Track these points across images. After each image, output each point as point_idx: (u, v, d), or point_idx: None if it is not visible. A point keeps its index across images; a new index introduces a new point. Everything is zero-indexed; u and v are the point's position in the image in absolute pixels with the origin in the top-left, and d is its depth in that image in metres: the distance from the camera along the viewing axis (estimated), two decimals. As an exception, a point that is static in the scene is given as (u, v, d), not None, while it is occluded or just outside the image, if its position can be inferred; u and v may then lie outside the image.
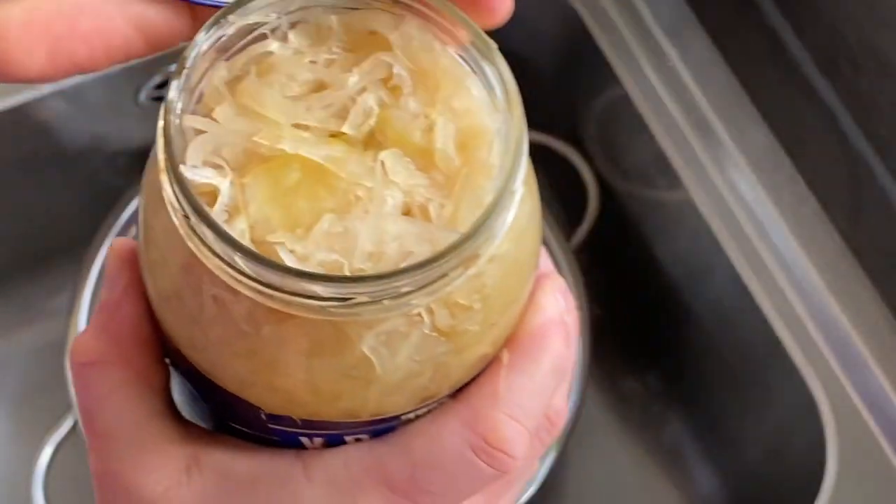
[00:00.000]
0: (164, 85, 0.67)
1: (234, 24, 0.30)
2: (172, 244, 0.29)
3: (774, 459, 0.67)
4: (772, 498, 0.68)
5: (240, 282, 0.28)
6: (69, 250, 0.70)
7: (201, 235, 0.28)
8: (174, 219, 0.29)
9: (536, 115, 0.77)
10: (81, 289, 0.66)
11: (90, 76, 0.64)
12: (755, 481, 0.70)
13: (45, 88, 0.64)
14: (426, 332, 0.29)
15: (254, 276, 0.28)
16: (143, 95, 0.67)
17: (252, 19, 0.30)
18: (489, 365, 0.32)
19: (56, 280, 0.74)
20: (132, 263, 0.33)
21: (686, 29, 0.68)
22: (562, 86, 0.75)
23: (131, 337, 0.33)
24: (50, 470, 0.64)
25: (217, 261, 0.28)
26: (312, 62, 0.30)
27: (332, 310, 0.28)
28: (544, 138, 0.75)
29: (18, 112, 0.64)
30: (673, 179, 0.66)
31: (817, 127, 0.67)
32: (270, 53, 0.30)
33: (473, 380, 0.32)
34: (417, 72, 0.30)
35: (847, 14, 0.63)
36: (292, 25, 0.30)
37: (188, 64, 0.29)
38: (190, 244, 0.28)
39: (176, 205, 0.28)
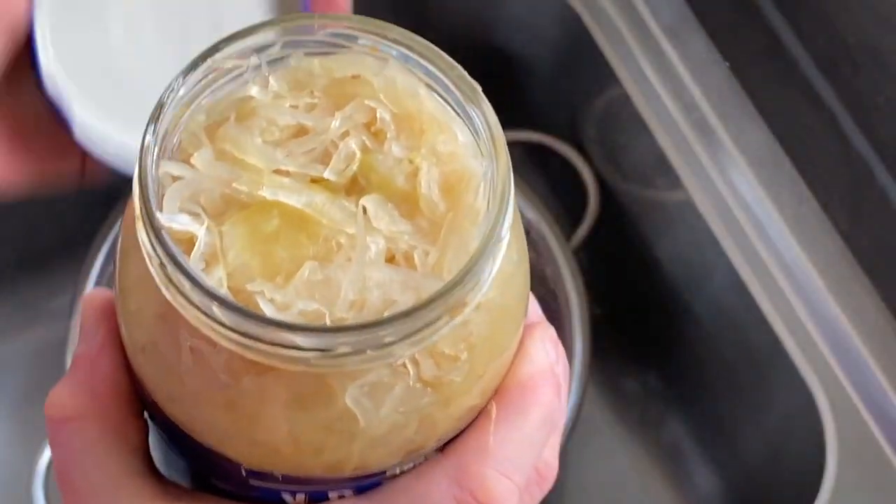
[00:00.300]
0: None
1: (213, 67, 0.29)
2: (148, 293, 0.29)
3: (774, 459, 0.67)
4: (772, 498, 0.68)
5: (218, 332, 0.27)
6: (69, 250, 0.70)
7: (178, 284, 0.27)
8: (150, 267, 0.28)
9: (536, 115, 0.78)
10: (81, 289, 0.66)
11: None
12: (755, 481, 0.70)
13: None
14: (411, 383, 0.28)
15: (232, 326, 0.27)
16: (143, 96, 0.67)
17: (231, 63, 0.29)
18: (477, 417, 0.31)
19: (56, 280, 0.74)
20: (109, 315, 0.32)
21: (686, 29, 0.68)
22: (562, 86, 0.75)
23: (109, 392, 0.32)
24: (50, 470, 0.64)
25: (194, 311, 0.27)
26: (293, 106, 0.30)
27: (313, 361, 0.27)
28: (544, 138, 0.75)
29: (18, 112, 0.64)
30: (673, 179, 0.66)
31: (817, 127, 0.67)
32: (250, 98, 0.30)
33: (461, 432, 0.31)
34: (401, 116, 0.30)
35: (847, 14, 0.63)
36: (273, 69, 0.30)
37: (165, 109, 0.29)
38: (166, 293, 0.28)
39: (151, 252, 0.27)
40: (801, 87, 0.67)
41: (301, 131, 0.30)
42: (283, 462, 0.29)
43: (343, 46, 0.30)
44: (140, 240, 0.28)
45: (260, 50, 0.30)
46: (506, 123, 0.77)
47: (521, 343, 0.32)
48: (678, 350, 0.74)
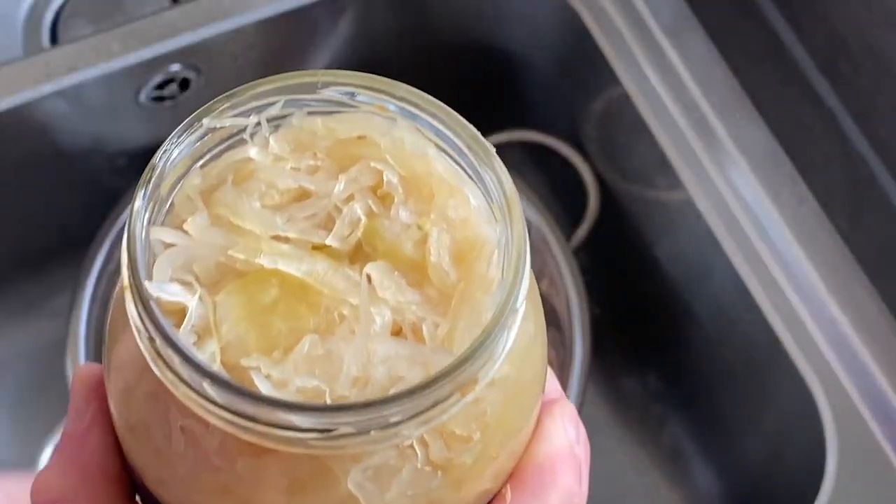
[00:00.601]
0: (164, 85, 0.67)
1: (210, 128, 0.28)
2: (138, 369, 0.27)
3: (774, 459, 0.67)
4: (772, 498, 0.68)
5: (210, 412, 0.25)
6: (69, 250, 0.70)
7: (167, 359, 0.25)
8: (138, 341, 0.26)
9: (536, 115, 0.77)
10: (81, 289, 0.66)
11: (90, 76, 0.64)
12: (755, 481, 0.70)
13: (45, 88, 0.64)
14: (419, 466, 0.26)
15: (225, 405, 0.25)
16: (143, 95, 0.67)
17: (228, 123, 0.28)
18: (491, 502, 0.29)
19: (56, 280, 0.74)
20: (99, 392, 0.31)
21: (686, 29, 0.68)
22: (562, 86, 0.75)
23: (99, 473, 0.30)
24: (50, 470, 0.64)
25: (185, 388, 0.25)
26: (295, 169, 0.28)
27: (312, 442, 0.25)
28: (544, 138, 0.75)
29: (18, 112, 0.64)
30: (673, 179, 0.66)
31: (817, 127, 0.67)
32: (249, 160, 0.28)
33: None
34: (410, 179, 0.28)
35: (847, 14, 0.63)
36: (273, 129, 0.28)
37: (156, 172, 0.27)
38: (155, 369, 0.26)
39: (139, 325, 0.26)
40: (801, 87, 0.67)
41: (303, 195, 0.28)
42: None
43: (348, 105, 0.28)
44: (128, 311, 0.26)
45: (260, 109, 0.28)
46: (506, 123, 0.78)
47: (539, 421, 0.30)
48: (678, 350, 0.74)
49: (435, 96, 0.29)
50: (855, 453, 0.59)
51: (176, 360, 0.25)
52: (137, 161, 0.70)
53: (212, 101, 0.28)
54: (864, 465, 0.59)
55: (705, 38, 0.68)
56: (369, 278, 0.27)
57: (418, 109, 0.28)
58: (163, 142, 0.28)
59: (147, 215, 0.27)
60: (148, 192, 0.27)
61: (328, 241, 0.27)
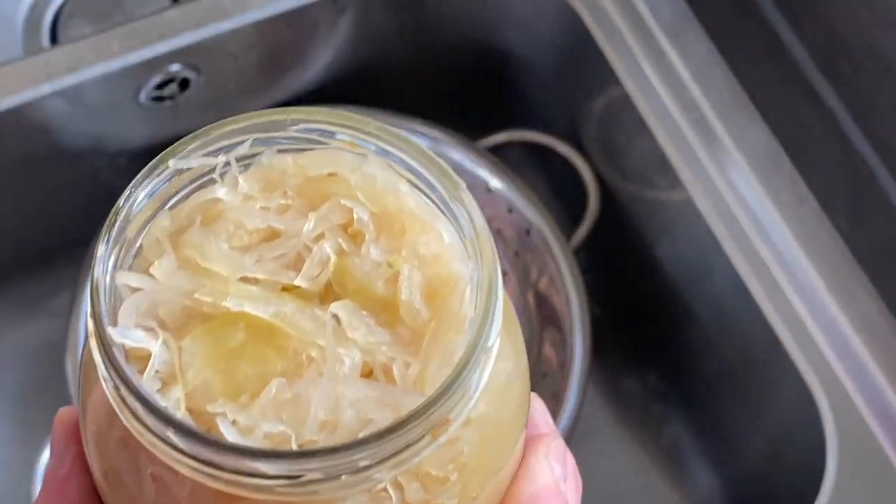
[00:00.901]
0: (164, 85, 0.67)
1: (177, 169, 0.27)
2: (108, 415, 0.26)
3: (774, 459, 0.67)
4: (772, 498, 0.68)
5: (177, 460, 0.25)
6: (69, 250, 0.70)
7: (132, 407, 0.25)
8: (105, 388, 0.26)
9: (536, 115, 0.77)
10: (81, 289, 0.66)
11: (90, 76, 0.64)
12: (755, 481, 0.70)
13: (45, 88, 0.64)
14: None
15: (191, 453, 0.24)
16: (143, 95, 0.67)
17: (196, 164, 0.27)
18: None
19: (56, 280, 0.74)
20: (78, 436, 0.30)
21: (686, 29, 0.68)
22: (562, 86, 0.75)
23: None
24: (50, 470, 0.64)
25: (151, 436, 0.25)
26: (264, 208, 0.27)
27: (281, 490, 0.24)
28: (544, 138, 0.75)
29: (18, 112, 0.64)
30: (673, 179, 0.66)
31: (817, 127, 0.67)
32: (218, 200, 0.27)
33: None
34: (381, 215, 0.27)
35: (847, 14, 0.63)
36: (243, 168, 0.28)
37: (120, 216, 0.26)
38: (122, 417, 0.25)
39: (104, 373, 0.25)
40: (801, 87, 0.67)
41: (272, 235, 0.27)
42: None
43: (319, 142, 0.28)
44: (94, 358, 0.26)
45: (229, 149, 0.27)
46: (506, 123, 0.78)
47: (524, 458, 0.29)
48: (678, 350, 0.74)
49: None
50: (855, 453, 0.59)
51: (140, 409, 0.25)
52: (137, 161, 0.70)
53: (177, 143, 0.27)
54: (864, 465, 0.59)
55: (705, 38, 0.68)
56: (337, 319, 0.26)
57: (389, 145, 0.27)
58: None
59: (112, 260, 0.26)
60: (112, 237, 0.26)
61: (297, 282, 0.27)
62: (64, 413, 0.31)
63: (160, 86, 0.67)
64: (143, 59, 0.65)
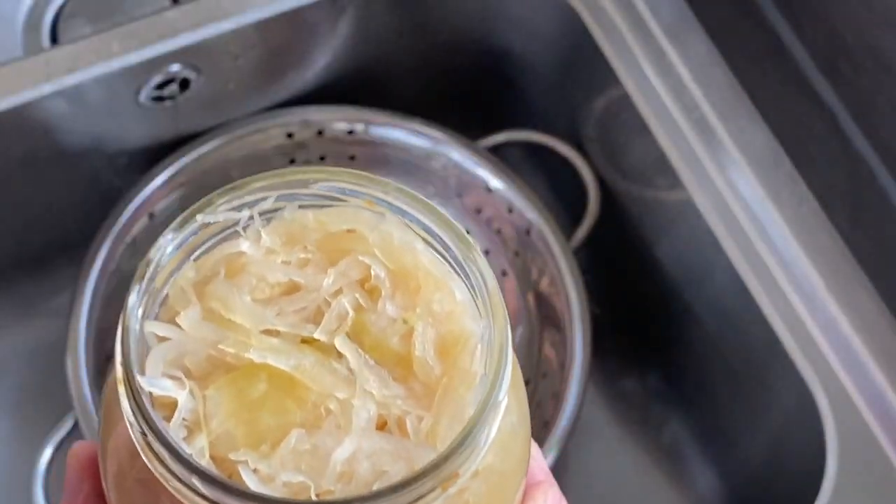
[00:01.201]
0: (164, 85, 0.67)
1: (204, 223, 0.28)
2: (130, 455, 0.28)
3: (774, 459, 0.67)
4: (772, 498, 0.68)
5: None
6: (69, 250, 0.70)
7: (158, 453, 0.26)
8: (131, 433, 0.27)
9: (536, 115, 0.77)
10: (81, 289, 0.66)
11: (90, 76, 0.64)
12: (755, 481, 0.70)
13: (45, 88, 0.64)
14: None
15: (214, 500, 0.26)
16: (143, 95, 0.67)
17: (221, 218, 0.28)
18: None
19: (56, 280, 0.74)
20: (93, 471, 0.31)
21: (686, 29, 0.68)
22: (562, 86, 0.75)
23: None
24: (50, 470, 0.64)
25: (175, 482, 0.26)
26: (286, 262, 0.29)
27: None
28: (544, 138, 0.75)
29: (18, 112, 0.64)
30: (673, 179, 0.66)
31: (817, 127, 0.67)
32: (242, 253, 0.29)
33: None
34: (397, 272, 0.29)
35: (847, 14, 0.63)
36: (265, 222, 0.29)
37: (151, 267, 0.28)
38: (147, 462, 0.27)
39: (132, 419, 0.26)
40: (801, 87, 0.67)
41: (293, 288, 0.29)
42: None
43: (339, 199, 0.29)
44: (121, 404, 0.27)
45: (253, 204, 0.29)
46: (506, 123, 0.78)
47: None
48: (678, 350, 0.74)
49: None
50: (855, 453, 0.59)
51: (166, 455, 0.26)
52: (137, 161, 0.70)
53: (208, 196, 0.28)
54: (864, 465, 0.59)
55: (705, 38, 0.68)
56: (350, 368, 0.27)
57: (407, 205, 0.29)
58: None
59: (141, 310, 0.27)
60: (143, 288, 0.27)
61: (316, 335, 0.28)
62: (78, 448, 0.32)
63: (160, 86, 0.67)
64: (143, 59, 0.65)
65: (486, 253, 0.72)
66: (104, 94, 0.66)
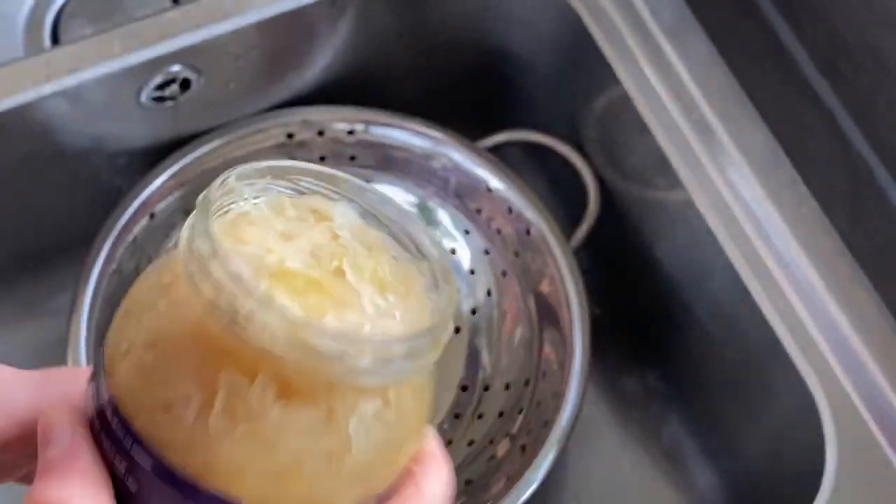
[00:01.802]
0: (165, 85, 0.67)
1: (231, 187, 0.35)
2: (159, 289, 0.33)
3: (774, 459, 0.68)
4: (772, 498, 0.68)
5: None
6: (69, 250, 0.70)
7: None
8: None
9: (536, 115, 0.78)
10: (82, 289, 0.66)
11: (91, 76, 0.64)
12: (755, 481, 0.70)
13: (45, 88, 0.64)
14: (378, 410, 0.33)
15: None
16: (143, 96, 0.67)
17: (241, 188, 0.35)
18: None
19: (56, 280, 0.74)
20: (80, 419, 0.33)
21: (686, 29, 0.68)
22: (562, 86, 0.75)
23: (95, 481, 0.31)
24: (50, 470, 0.64)
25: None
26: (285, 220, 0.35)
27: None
28: (544, 138, 0.75)
29: (18, 112, 0.64)
30: (673, 179, 0.66)
31: (817, 127, 0.67)
32: (247, 213, 0.35)
33: None
34: (361, 240, 0.35)
35: (847, 14, 0.63)
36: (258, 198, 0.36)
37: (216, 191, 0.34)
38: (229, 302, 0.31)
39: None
40: (801, 87, 0.67)
41: (289, 237, 0.35)
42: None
43: (304, 192, 0.36)
44: (189, 261, 0.31)
45: (252, 185, 0.35)
46: (506, 123, 0.78)
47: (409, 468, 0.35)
48: (678, 350, 0.74)
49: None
50: (855, 453, 0.59)
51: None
52: (138, 161, 0.70)
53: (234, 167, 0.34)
54: (864, 465, 0.59)
55: (705, 38, 0.68)
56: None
57: (353, 195, 0.36)
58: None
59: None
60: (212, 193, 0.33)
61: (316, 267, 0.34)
62: (53, 406, 0.33)
63: (161, 86, 0.67)
64: (143, 59, 0.65)
65: (486, 253, 0.72)
66: (105, 95, 0.66)
